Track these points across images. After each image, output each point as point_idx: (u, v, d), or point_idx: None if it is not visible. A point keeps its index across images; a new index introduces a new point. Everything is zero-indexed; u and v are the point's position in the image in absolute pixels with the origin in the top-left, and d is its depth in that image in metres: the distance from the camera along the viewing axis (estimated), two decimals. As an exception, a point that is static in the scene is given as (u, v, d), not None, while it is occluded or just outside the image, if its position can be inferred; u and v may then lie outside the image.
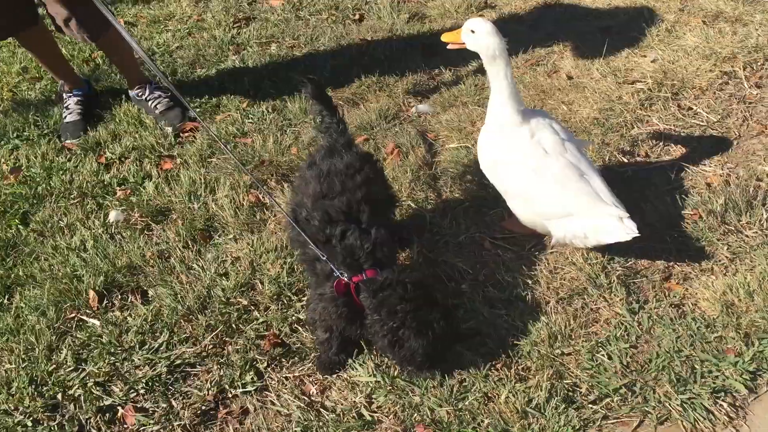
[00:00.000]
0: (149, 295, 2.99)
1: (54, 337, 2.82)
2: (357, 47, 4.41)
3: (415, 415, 2.42)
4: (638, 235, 2.56)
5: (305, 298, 2.85)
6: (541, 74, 3.98)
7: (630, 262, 2.84)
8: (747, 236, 2.85)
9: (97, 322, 2.88)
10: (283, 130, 3.80)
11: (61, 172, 3.66)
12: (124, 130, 3.92)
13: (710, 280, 2.71)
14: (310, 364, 2.66)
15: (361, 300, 2.44)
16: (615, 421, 2.34)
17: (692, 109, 3.54)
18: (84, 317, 2.91)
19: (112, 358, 2.73)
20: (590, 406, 2.37)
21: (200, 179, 3.51)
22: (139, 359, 2.71)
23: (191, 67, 4.40)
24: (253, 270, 3.01)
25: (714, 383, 2.36)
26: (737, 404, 2.33)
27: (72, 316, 2.92)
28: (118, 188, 3.55)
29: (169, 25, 4.89)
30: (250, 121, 3.91)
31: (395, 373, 2.55)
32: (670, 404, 2.33)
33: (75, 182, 3.59)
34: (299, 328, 2.79)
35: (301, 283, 2.93)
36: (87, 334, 2.82)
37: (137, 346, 2.76)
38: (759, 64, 3.71)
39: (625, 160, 3.33)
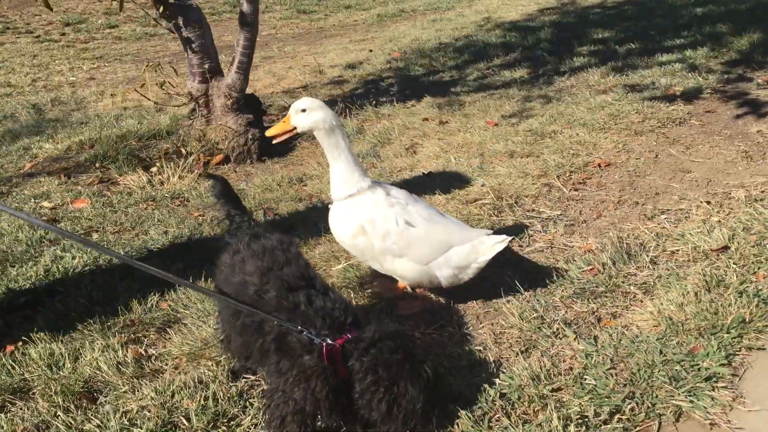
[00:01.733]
0: (35, 471, 2.29)
1: None
2: (192, 222, 4.21)
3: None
4: (510, 239, 2.88)
5: (253, 413, 2.40)
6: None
7: (560, 316, 2.87)
8: (645, 275, 3.08)
9: None
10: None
11: None
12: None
13: (639, 308, 2.84)
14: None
15: (348, 366, 2.13)
16: (636, 430, 2.22)
17: (535, 210, 3.89)
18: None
19: None
20: (606, 425, 2.23)
21: (59, 349, 2.92)
22: None
23: (1, 265, 3.82)
24: (168, 411, 2.49)
25: (703, 374, 2.38)
26: (729, 386, 2.36)
27: None
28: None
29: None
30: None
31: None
32: (677, 400, 2.29)
33: None
34: (256, 444, 2.31)
35: (241, 403, 2.48)
36: None
37: None
38: (567, 176, 4.26)
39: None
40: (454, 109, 5.83)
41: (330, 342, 2.12)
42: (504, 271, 3.27)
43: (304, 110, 2.88)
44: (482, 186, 4.20)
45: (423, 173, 4.54)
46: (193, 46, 5.28)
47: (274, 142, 2.98)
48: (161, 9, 5.08)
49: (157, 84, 5.54)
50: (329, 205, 3.04)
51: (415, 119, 5.69)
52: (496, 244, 2.86)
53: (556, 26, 8.46)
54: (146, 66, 5.60)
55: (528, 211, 3.87)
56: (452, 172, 4.46)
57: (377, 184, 2.98)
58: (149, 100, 5.95)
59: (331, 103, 6.23)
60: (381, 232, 2.86)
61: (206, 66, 5.36)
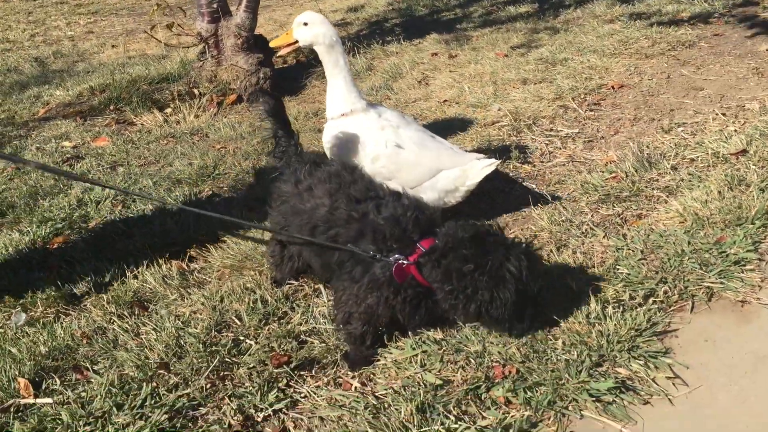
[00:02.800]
0: (97, 369, 2.39)
1: (-16, 435, 2.10)
2: (215, 154, 4.28)
3: (485, 360, 2.18)
4: (498, 161, 2.86)
5: (300, 312, 2.51)
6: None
7: (588, 219, 2.97)
8: (667, 180, 3.18)
9: (49, 400, 2.22)
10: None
11: None
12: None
13: (663, 207, 2.94)
14: (335, 368, 2.29)
15: (425, 277, 2.19)
16: (672, 310, 2.33)
17: (553, 129, 3.97)
18: (29, 400, 2.23)
19: (87, 428, 2.10)
20: (641, 307, 2.34)
21: (104, 266, 3.02)
22: (124, 419, 2.12)
23: (32, 198, 3.88)
24: (220, 313, 2.60)
25: (731, 259, 2.49)
26: (757, 269, 2.47)
27: (7, 405, 2.21)
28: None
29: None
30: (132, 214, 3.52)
31: (438, 337, 2.31)
32: (708, 282, 2.40)
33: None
34: (308, 338, 2.42)
35: (288, 305, 2.59)
36: (37, 419, 2.15)
37: (114, 409, 2.16)
38: (581, 98, 4.33)
39: (527, 167, 3.57)
40: (462, 43, 5.86)
41: (403, 261, 2.16)
42: (528, 183, 3.36)
43: (306, 24, 2.91)
44: (498, 110, 4.27)
45: (438, 101, 4.60)
46: (202, -15, 5.28)
47: (278, 54, 3.03)
48: (169, -53, 5.06)
49: (166, 26, 5.54)
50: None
51: (424, 55, 5.72)
52: (485, 167, 2.83)
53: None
54: (155, 6, 5.58)
55: (546, 130, 3.95)
56: (467, 100, 4.53)
57: (372, 106, 2.99)
58: (159, 41, 5.95)
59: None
60: (371, 155, 2.86)
61: (215, 5, 5.37)
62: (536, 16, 6.34)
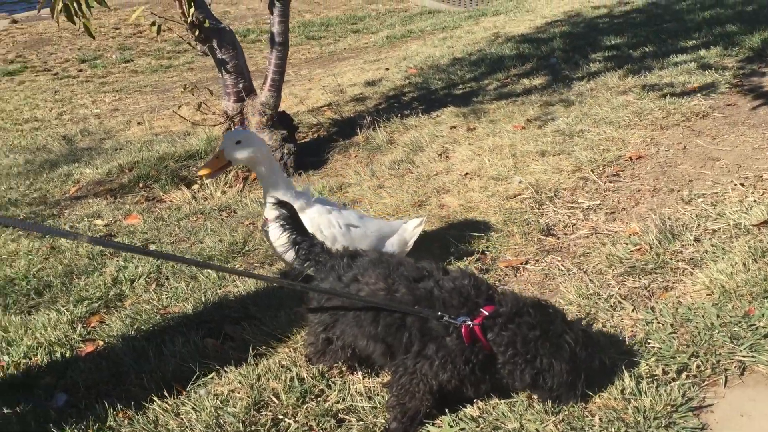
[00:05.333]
0: (140, 449, 2.44)
1: None
2: (244, 230, 4.39)
3: (524, 438, 2.22)
4: (425, 217, 3.43)
5: (337, 389, 2.56)
6: (435, 207, 4.30)
7: (615, 291, 3.03)
8: (691, 252, 3.24)
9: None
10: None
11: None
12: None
13: (690, 280, 2.99)
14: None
15: (489, 340, 2.26)
16: (705, 385, 2.37)
17: (574, 201, 4.06)
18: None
19: None
20: (675, 381, 2.37)
21: (141, 344, 3.09)
22: (169, 500, 2.15)
23: (68, 277, 3.99)
24: (257, 391, 2.65)
25: (761, 332, 2.53)
26: (787, 342, 2.51)
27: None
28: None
29: (16, 260, 4.41)
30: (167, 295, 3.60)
31: (475, 414, 2.35)
32: (740, 356, 2.44)
33: None
34: (346, 417, 2.47)
35: (324, 382, 2.64)
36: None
37: (158, 490, 2.20)
38: (600, 170, 4.43)
39: (551, 239, 3.65)
40: (479, 116, 6.02)
41: (470, 323, 2.24)
42: (554, 257, 3.43)
43: (239, 142, 2.96)
44: (520, 183, 4.37)
45: (460, 175, 4.71)
46: (228, 67, 5.51)
47: (207, 180, 3.05)
48: (197, 32, 5.31)
49: (195, 106, 5.75)
50: (265, 228, 3.17)
51: (443, 128, 5.87)
52: (416, 227, 3.32)
53: (567, 36, 8.68)
54: (183, 89, 5.81)
55: (568, 202, 4.04)
56: (488, 173, 4.64)
57: (306, 196, 3.21)
58: (186, 120, 6.15)
59: (358, 117, 6.45)
60: (329, 237, 3.09)
61: (240, 86, 5.57)
62: (550, 88, 6.52)
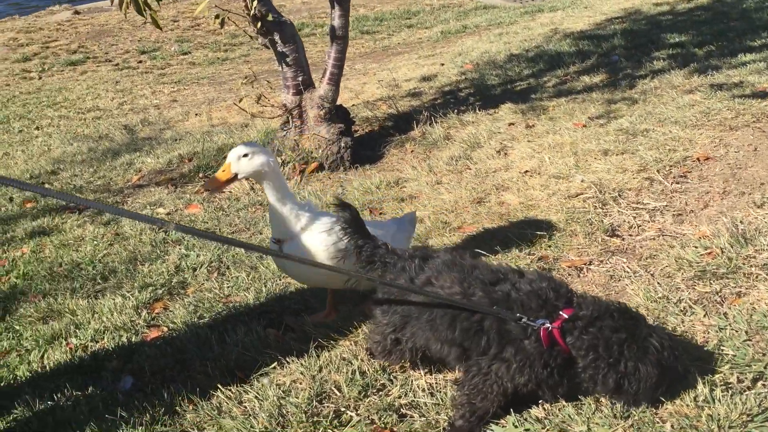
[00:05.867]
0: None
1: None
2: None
3: (592, 442, 2.17)
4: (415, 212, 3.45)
5: (399, 385, 2.55)
6: (495, 204, 4.25)
7: (685, 296, 2.94)
8: (764, 257, 3.13)
9: (162, 465, 2.30)
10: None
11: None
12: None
13: (764, 286, 2.89)
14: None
15: (568, 344, 2.22)
16: (783, 393, 2.28)
17: (639, 202, 3.97)
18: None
19: (199, 495, 2.16)
20: (750, 390, 2.30)
21: (205, 332, 3.13)
22: (235, 487, 2.17)
23: (132, 264, 4.07)
24: (319, 383, 2.65)
25: (840, 341, 2.43)
26: None
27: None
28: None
29: (82, 245, 4.52)
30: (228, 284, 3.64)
31: (541, 415, 2.31)
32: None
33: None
34: (408, 412, 2.45)
35: (386, 376, 2.63)
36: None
37: (224, 477, 2.22)
38: (666, 170, 4.32)
39: (615, 240, 3.57)
40: (538, 113, 5.94)
41: (548, 325, 2.20)
42: (619, 258, 3.36)
43: (246, 155, 2.80)
44: (582, 181, 4.29)
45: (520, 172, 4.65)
46: (287, 60, 5.54)
47: (214, 193, 2.81)
48: (259, 25, 5.35)
49: (255, 99, 5.81)
50: (276, 245, 2.92)
51: (500, 124, 5.81)
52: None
53: (628, 33, 8.50)
54: (243, 79, 5.87)
55: (633, 203, 3.95)
56: (548, 170, 4.57)
57: (311, 209, 2.98)
58: (246, 112, 6.22)
59: (414, 112, 6.42)
60: (333, 255, 2.87)
61: (300, 79, 5.60)
62: (612, 86, 6.39)
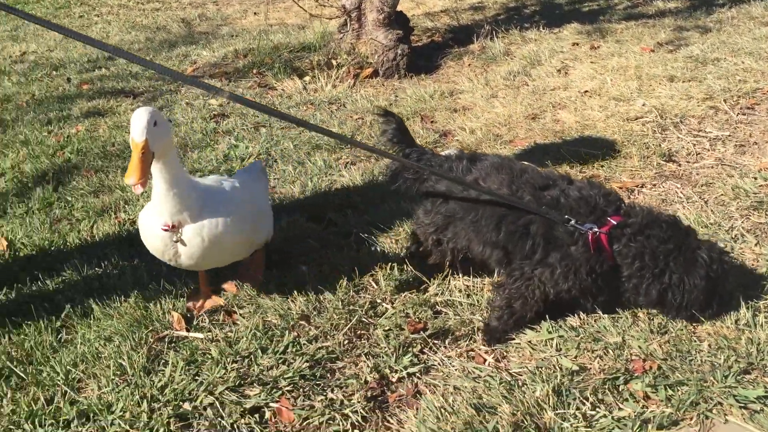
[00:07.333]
0: (241, 314, 2.52)
1: (144, 359, 2.26)
2: (353, 123, 4.38)
3: (625, 353, 2.16)
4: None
5: (436, 284, 2.56)
6: (550, 121, 4.14)
7: (737, 224, 2.85)
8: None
9: (200, 335, 2.37)
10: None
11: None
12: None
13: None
14: (468, 341, 2.33)
15: (614, 251, 2.17)
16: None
17: (701, 130, 3.82)
18: (182, 333, 2.39)
19: (234, 365, 2.23)
20: (794, 319, 2.24)
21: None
22: (268, 361, 2.23)
23: (182, 149, 4.12)
24: (359, 274, 2.68)
25: None
26: None
27: (162, 336, 2.38)
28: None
29: (134, 128, 4.55)
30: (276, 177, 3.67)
31: (577, 324, 2.30)
32: None
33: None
34: (443, 309, 2.47)
35: (423, 275, 2.64)
36: (189, 351, 2.30)
37: (258, 351, 2.28)
38: (734, 101, 4.14)
39: (671, 165, 3.46)
40: (605, 35, 5.71)
41: (596, 230, 2.15)
42: (673, 183, 3.27)
43: (155, 123, 2.04)
44: (643, 105, 4.14)
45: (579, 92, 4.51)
46: (351, -41, 5.38)
47: (140, 190, 1.97)
48: None
49: (315, -2, 5.71)
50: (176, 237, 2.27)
51: (564, 44, 5.61)
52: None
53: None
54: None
55: (694, 130, 3.81)
56: (609, 92, 4.42)
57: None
58: (305, 11, 6.12)
59: (475, 26, 6.24)
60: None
61: (362, -20, 5.45)
62: (686, 12, 6.09)
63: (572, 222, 2.14)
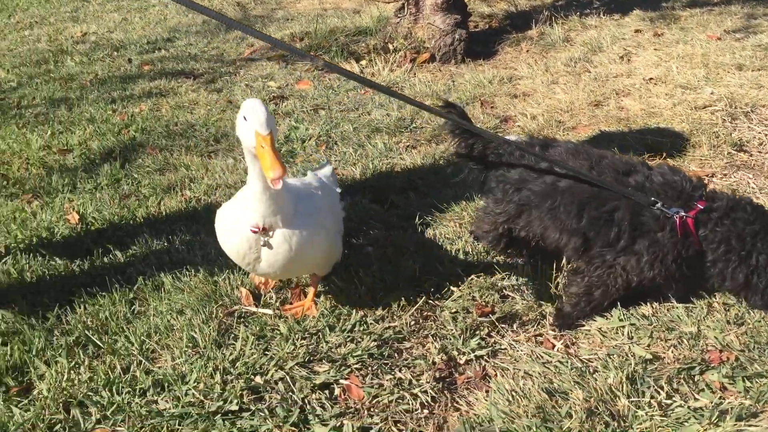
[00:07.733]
0: (307, 292, 2.54)
1: (215, 333, 2.30)
2: (411, 108, 4.36)
3: (700, 343, 2.11)
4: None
5: (503, 269, 2.54)
6: (614, 108, 4.07)
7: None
8: None
9: (269, 311, 2.40)
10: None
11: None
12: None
13: None
14: (536, 326, 2.31)
15: (701, 236, 2.14)
16: None
17: (773, 120, 3.71)
18: (251, 308, 2.42)
19: (303, 341, 2.25)
20: None
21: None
22: (336, 339, 2.25)
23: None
24: (425, 257, 2.67)
25: None
26: None
27: (232, 310, 2.42)
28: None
29: (196, 108, 4.62)
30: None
31: (649, 313, 2.26)
32: None
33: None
34: (510, 294, 2.45)
35: (489, 258, 2.62)
36: (259, 326, 2.33)
37: (326, 329, 2.30)
38: (808, 92, 4.01)
39: (742, 155, 3.37)
40: (669, 22, 5.58)
41: (683, 214, 2.11)
42: (744, 173, 3.18)
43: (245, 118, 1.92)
44: (711, 94, 4.04)
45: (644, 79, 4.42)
46: (409, -58, 5.35)
47: (280, 185, 1.86)
48: None
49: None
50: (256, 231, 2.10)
51: (626, 30, 5.50)
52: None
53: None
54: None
55: (765, 119, 3.70)
56: (675, 80, 4.32)
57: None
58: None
59: (533, 12, 6.15)
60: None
61: (420, -36, 5.42)
62: (754, 0, 5.91)
63: (659, 204, 2.10)
